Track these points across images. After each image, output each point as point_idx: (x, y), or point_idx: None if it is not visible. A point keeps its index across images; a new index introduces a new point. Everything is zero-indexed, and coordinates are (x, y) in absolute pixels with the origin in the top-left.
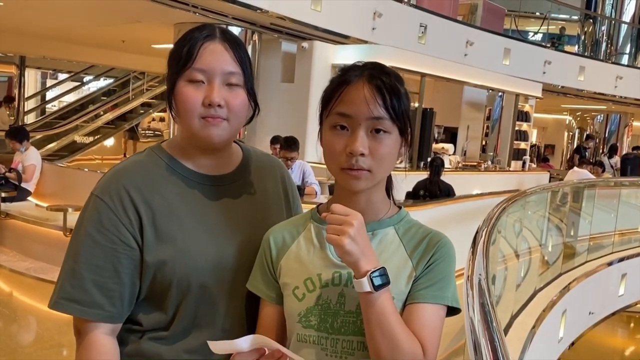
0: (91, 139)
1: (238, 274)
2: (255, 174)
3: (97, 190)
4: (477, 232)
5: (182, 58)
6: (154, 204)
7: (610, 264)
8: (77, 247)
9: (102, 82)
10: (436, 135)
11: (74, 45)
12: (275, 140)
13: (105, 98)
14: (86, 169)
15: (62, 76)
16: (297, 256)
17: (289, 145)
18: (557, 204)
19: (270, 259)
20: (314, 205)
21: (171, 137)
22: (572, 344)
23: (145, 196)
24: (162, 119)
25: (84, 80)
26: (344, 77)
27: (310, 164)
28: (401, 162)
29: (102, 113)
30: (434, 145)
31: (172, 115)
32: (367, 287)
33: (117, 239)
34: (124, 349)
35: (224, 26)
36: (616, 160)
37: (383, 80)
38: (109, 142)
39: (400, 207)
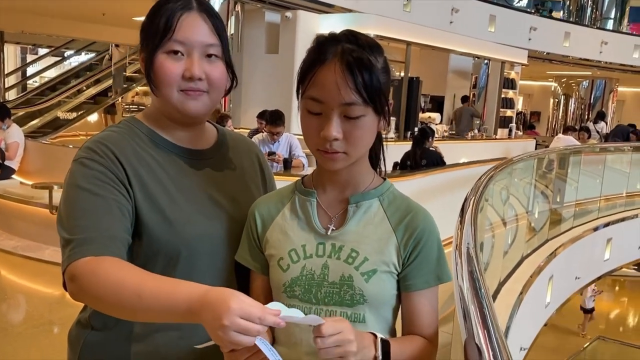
0: (74, 114)
1: (223, 246)
2: (232, 152)
3: (79, 156)
4: (465, 201)
5: (159, 30)
6: (138, 168)
7: (596, 229)
8: (78, 204)
9: (84, 57)
10: (422, 105)
11: (53, 19)
12: (262, 115)
13: (88, 73)
14: (71, 146)
15: (42, 51)
16: (282, 228)
17: (274, 120)
18: (543, 170)
19: (256, 231)
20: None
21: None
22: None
23: (129, 160)
24: (145, 94)
25: (65, 55)
26: (318, 56)
27: (296, 136)
28: (387, 133)
29: (84, 88)
30: (421, 115)
31: (151, 88)
32: None
33: (114, 189)
34: (104, 329)
35: None
36: (602, 125)
37: (358, 57)
38: (93, 117)
39: (384, 179)
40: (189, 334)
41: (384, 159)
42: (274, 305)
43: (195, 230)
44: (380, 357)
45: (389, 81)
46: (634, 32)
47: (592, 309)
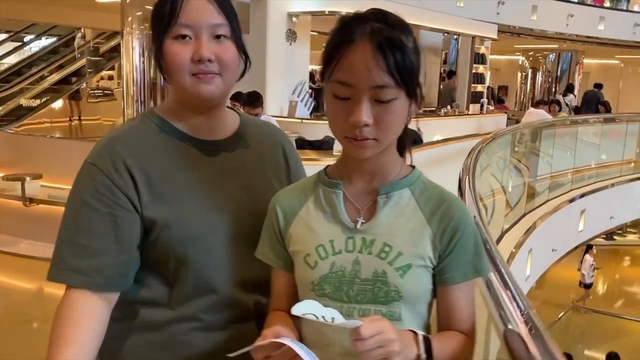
0: (38, 101)
1: (235, 241)
2: (253, 142)
3: (90, 157)
4: (460, 181)
5: (165, 16)
6: (148, 168)
7: (571, 200)
8: (75, 216)
9: (45, 42)
10: None
11: (11, 2)
12: (236, 96)
13: (48, 58)
14: (38, 134)
15: (0, 37)
16: (307, 222)
17: (252, 101)
18: (517, 145)
19: (278, 227)
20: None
21: (124, 95)
22: None
23: (139, 161)
24: (110, 78)
25: (25, 40)
26: (344, 36)
27: (274, 118)
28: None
29: (47, 74)
30: None
31: (163, 77)
32: None
33: (114, 203)
34: (124, 320)
35: None
36: (571, 98)
37: (388, 37)
38: (58, 104)
39: (413, 167)
40: (205, 324)
41: (421, 140)
42: (309, 303)
43: (205, 226)
44: (425, 356)
45: (420, 62)
46: (598, 4)
47: (591, 285)
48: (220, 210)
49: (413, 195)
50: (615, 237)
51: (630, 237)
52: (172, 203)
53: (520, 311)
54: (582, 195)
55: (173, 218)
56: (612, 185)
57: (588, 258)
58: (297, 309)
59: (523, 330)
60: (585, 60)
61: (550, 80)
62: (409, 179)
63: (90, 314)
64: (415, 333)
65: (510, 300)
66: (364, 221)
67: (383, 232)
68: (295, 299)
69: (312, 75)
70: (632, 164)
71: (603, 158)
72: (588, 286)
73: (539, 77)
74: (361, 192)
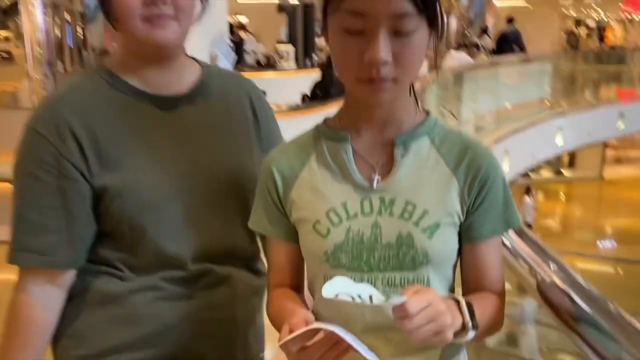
0: None
1: (198, 209)
2: (216, 96)
3: (32, 121)
4: None
5: None
6: (96, 131)
7: (496, 142)
8: (22, 190)
9: None
10: (319, 31)
11: None
12: None
13: None
14: None
15: None
16: (312, 184)
17: None
18: (442, 89)
19: (275, 192)
20: None
21: (27, 58)
22: None
23: (87, 123)
24: (7, 39)
25: None
26: None
27: None
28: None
29: None
30: (317, 41)
31: (112, 24)
32: (472, 334)
33: (60, 174)
34: (78, 295)
35: None
36: (487, 40)
37: None
38: None
39: (427, 112)
40: (169, 294)
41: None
42: (339, 281)
43: (161, 193)
44: (470, 323)
45: None
46: None
47: (530, 225)
48: (178, 175)
49: (433, 145)
50: (529, 173)
51: (543, 173)
52: (124, 169)
53: None
54: (505, 136)
55: (125, 185)
56: (531, 124)
57: (527, 200)
58: (330, 290)
59: (514, 237)
60: (497, 4)
61: (463, 24)
62: (427, 126)
63: (46, 308)
64: (455, 299)
65: None
66: (380, 178)
67: (404, 189)
68: (299, 271)
69: (231, 28)
70: (547, 103)
71: (521, 98)
72: (528, 225)
73: (453, 21)
74: (373, 145)
